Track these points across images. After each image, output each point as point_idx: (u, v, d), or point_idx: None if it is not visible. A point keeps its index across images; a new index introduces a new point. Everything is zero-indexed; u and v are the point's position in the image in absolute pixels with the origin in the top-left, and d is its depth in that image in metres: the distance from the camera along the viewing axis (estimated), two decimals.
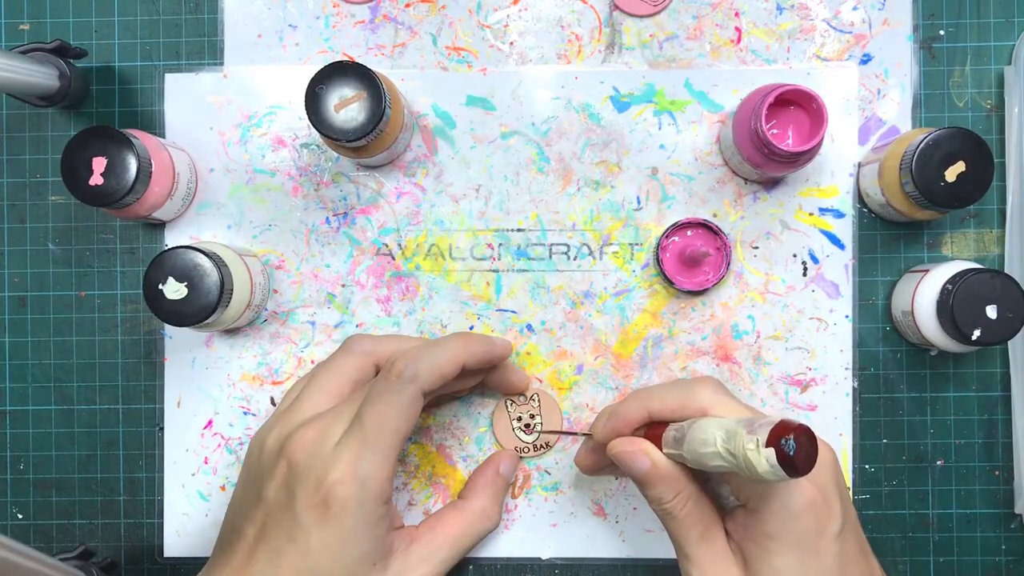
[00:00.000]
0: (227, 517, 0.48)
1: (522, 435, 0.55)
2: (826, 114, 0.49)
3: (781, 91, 0.49)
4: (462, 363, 0.48)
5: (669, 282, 0.55)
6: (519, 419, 0.55)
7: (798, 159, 0.50)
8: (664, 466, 0.44)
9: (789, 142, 0.52)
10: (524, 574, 0.56)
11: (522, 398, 0.56)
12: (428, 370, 0.46)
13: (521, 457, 0.56)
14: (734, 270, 0.56)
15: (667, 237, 0.55)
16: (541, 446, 0.55)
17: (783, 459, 0.37)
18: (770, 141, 0.49)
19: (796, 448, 0.37)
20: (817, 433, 0.41)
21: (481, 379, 0.54)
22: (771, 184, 0.56)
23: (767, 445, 0.37)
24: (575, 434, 0.54)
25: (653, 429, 0.46)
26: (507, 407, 0.56)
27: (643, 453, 0.45)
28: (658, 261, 0.55)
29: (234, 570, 0.44)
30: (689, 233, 0.55)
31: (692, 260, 0.54)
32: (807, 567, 0.42)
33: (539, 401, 0.56)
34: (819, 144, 0.49)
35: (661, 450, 0.45)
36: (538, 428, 0.55)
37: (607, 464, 0.50)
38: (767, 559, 0.42)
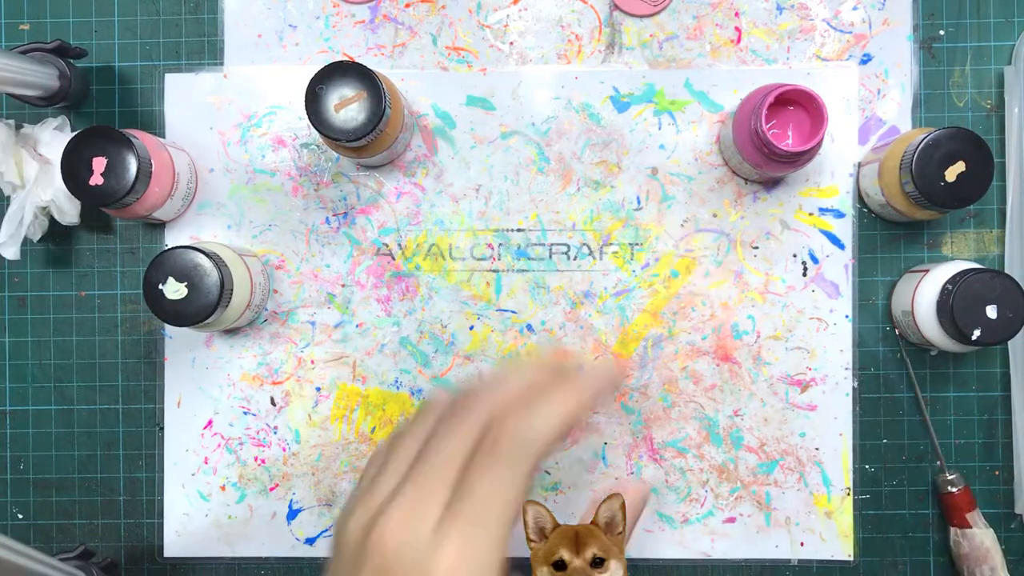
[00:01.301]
0: None
1: None
2: (826, 114, 0.49)
3: (781, 91, 0.49)
4: (575, 423, 0.38)
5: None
6: None
7: (798, 159, 0.50)
8: None
9: (789, 142, 0.52)
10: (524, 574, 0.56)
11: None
12: (545, 436, 0.36)
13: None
14: (734, 270, 0.56)
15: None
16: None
17: None
18: (770, 141, 0.49)
19: None
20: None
21: None
22: (771, 184, 0.56)
23: None
24: None
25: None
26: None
27: None
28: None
29: None
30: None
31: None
32: None
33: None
34: (819, 144, 0.49)
35: None
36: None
37: None
38: None
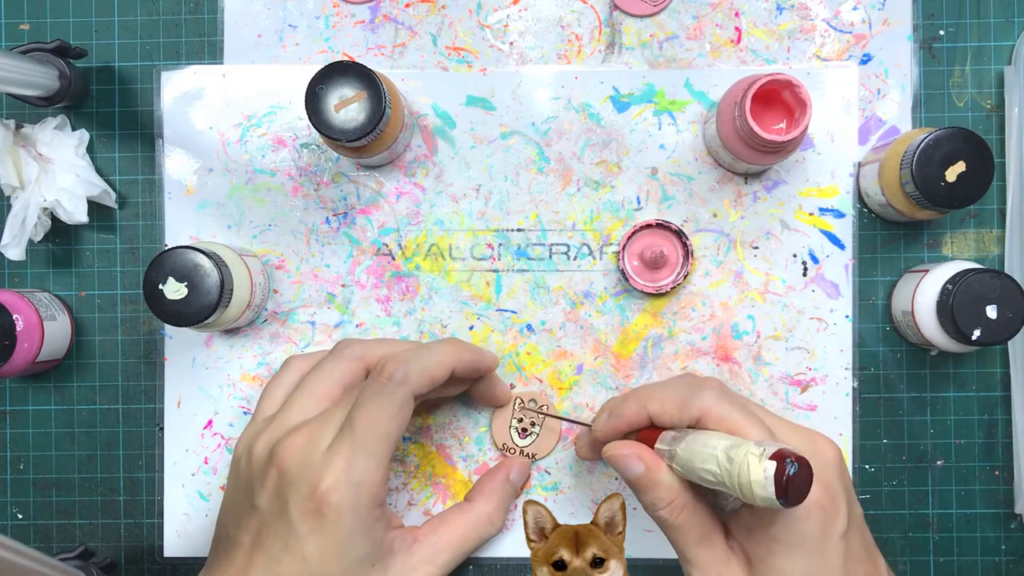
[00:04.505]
0: (219, 522, 0.48)
1: (516, 437, 0.55)
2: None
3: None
4: (452, 368, 0.48)
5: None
6: (520, 420, 0.55)
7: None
8: (659, 472, 0.43)
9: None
10: (524, 574, 0.56)
11: (533, 403, 0.55)
12: (419, 373, 0.46)
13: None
14: (734, 270, 0.56)
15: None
16: (531, 455, 0.55)
17: (780, 476, 0.37)
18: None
19: (797, 471, 0.37)
20: (818, 431, 0.41)
21: (465, 388, 0.54)
22: (771, 184, 0.56)
23: (771, 458, 0.38)
24: (578, 423, 0.53)
25: (651, 432, 0.46)
26: (514, 406, 0.55)
27: (637, 458, 0.44)
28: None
29: None
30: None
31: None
32: (813, 568, 0.42)
33: (547, 408, 0.55)
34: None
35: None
36: (536, 432, 0.55)
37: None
38: (772, 560, 0.42)
